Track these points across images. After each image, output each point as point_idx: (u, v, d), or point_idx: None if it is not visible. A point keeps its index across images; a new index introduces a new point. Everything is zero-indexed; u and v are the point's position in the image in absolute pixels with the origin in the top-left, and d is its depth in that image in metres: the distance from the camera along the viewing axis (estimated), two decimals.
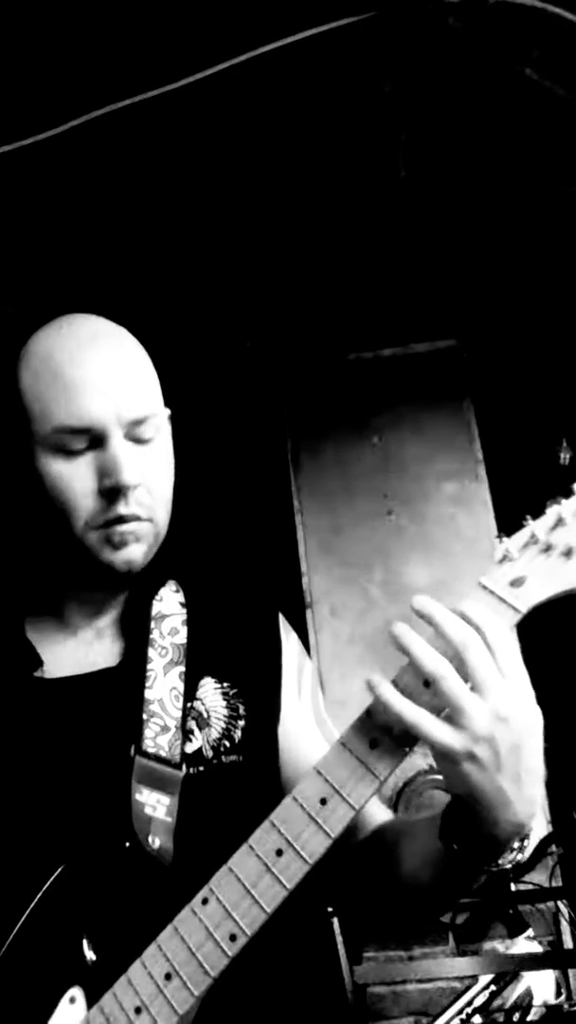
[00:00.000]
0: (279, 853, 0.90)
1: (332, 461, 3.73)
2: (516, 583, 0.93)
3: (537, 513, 0.95)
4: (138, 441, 1.08)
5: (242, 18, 2.14)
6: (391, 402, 3.73)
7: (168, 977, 0.91)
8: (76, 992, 0.95)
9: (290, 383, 3.82)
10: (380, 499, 3.65)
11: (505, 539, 0.95)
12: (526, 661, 0.92)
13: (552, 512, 0.94)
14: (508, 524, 0.96)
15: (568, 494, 0.94)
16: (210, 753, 1.10)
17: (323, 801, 0.90)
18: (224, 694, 1.14)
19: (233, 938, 0.90)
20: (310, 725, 1.20)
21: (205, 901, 0.92)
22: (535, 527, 0.94)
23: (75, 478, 1.05)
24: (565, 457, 0.97)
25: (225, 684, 1.15)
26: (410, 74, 2.38)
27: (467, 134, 2.61)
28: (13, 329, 1.18)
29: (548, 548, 0.93)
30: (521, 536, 0.95)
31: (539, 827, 3.16)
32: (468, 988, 2.59)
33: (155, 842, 1.01)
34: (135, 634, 1.15)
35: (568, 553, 0.92)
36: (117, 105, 2.24)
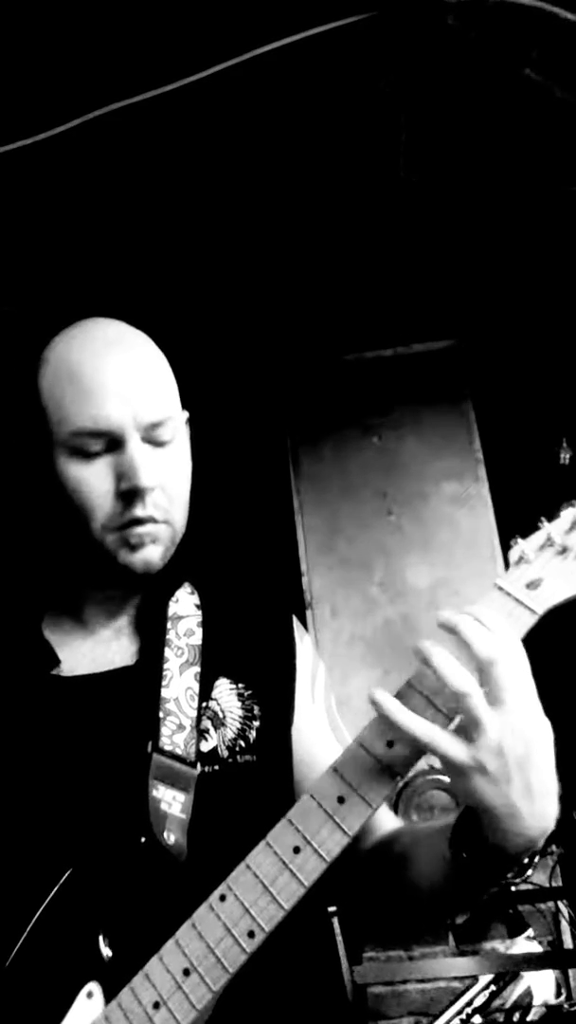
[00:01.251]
0: (296, 851, 0.91)
1: (332, 461, 3.73)
2: (532, 585, 0.93)
3: (540, 512, 0.96)
4: (155, 444, 1.10)
5: (242, 18, 2.14)
6: (391, 402, 3.73)
7: (186, 973, 0.91)
8: (93, 987, 0.96)
9: (290, 383, 3.82)
10: (380, 499, 3.65)
11: (521, 540, 0.96)
12: (532, 659, 0.93)
13: (568, 515, 0.95)
14: (508, 523, 0.97)
15: None
16: (225, 753, 1.11)
17: (340, 800, 0.91)
18: (239, 695, 1.16)
19: (251, 935, 0.90)
20: (323, 728, 1.22)
21: (223, 898, 0.92)
22: (551, 529, 0.95)
23: (93, 481, 1.07)
24: (565, 457, 0.97)
25: (240, 685, 1.17)
26: (410, 74, 2.38)
27: (467, 134, 2.61)
28: (13, 328, 1.18)
29: (564, 550, 0.94)
30: (537, 538, 0.95)
31: None
32: (468, 988, 2.59)
33: (170, 838, 1.02)
34: (152, 634, 1.17)
35: None
36: (117, 105, 2.24)
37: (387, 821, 1.19)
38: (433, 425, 3.69)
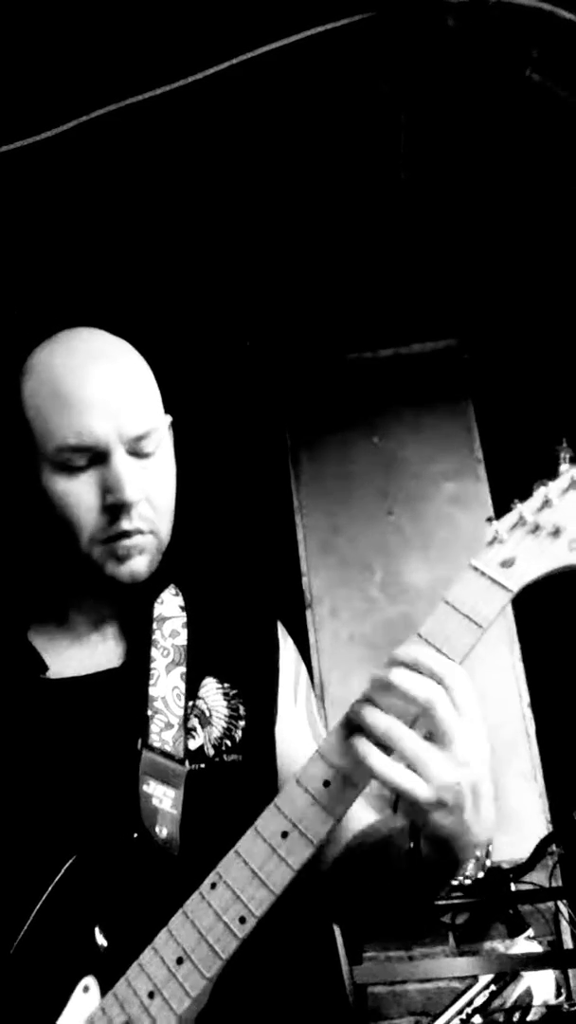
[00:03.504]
0: (284, 835, 0.92)
1: (332, 461, 3.73)
2: (506, 564, 0.94)
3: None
4: (140, 456, 1.10)
5: (242, 18, 2.14)
6: (391, 402, 3.73)
7: (180, 961, 0.92)
8: (90, 981, 0.96)
9: (290, 383, 3.82)
10: (380, 499, 3.65)
11: (495, 522, 0.97)
12: (532, 659, 0.93)
13: (539, 493, 0.96)
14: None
15: (554, 475, 0.96)
16: (212, 751, 1.13)
17: (326, 783, 0.92)
18: (225, 694, 1.17)
19: (243, 920, 0.91)
20: (304, 731, 1.23)
21: (214, 885, 0.93)
22: (522, 508, 0.96)
23: (79, 495, 1.08)
24: (565, 457, 0.98)
25: (226, 685, 1.18)
26: (410, 75, 2.38)
27: (467, 135, 2.61)
28: (15, 334, 1.18)
29: (536, 528, 0.95)
30: (509, 518, 0.96)
31: (539, 827, 3.16)
32: (468, 988, 2.59)
33: (162, 832, 1.04)
34: (138, 635, 1.18)
35: (556, 532, 0.94)
36: (117, 105, 2.24)
37: (363, 816, 1.19)
38: (433, 425, 3.70)
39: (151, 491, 1.11)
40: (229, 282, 3.22)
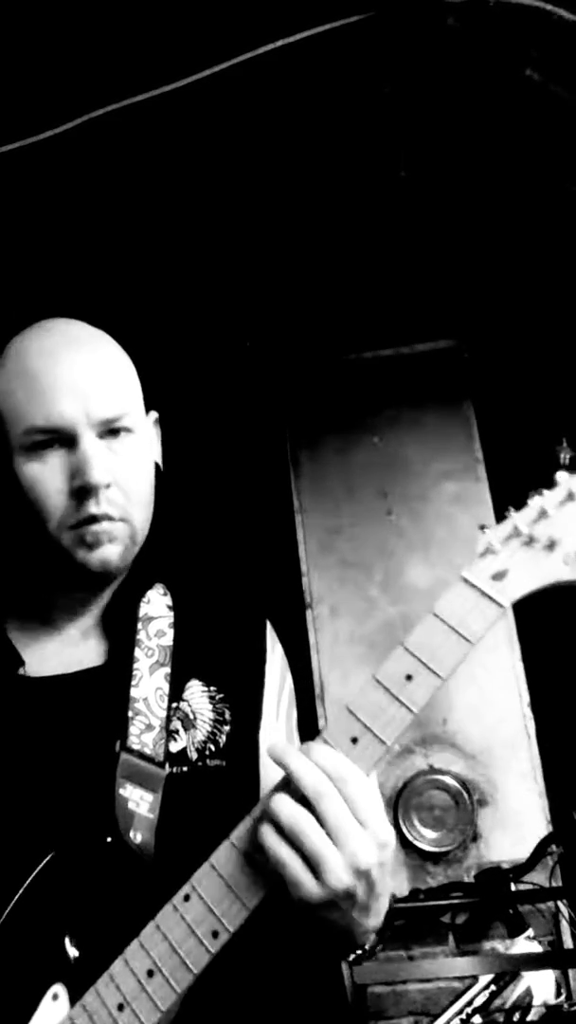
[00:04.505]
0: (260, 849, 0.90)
1: (332, 461, 3.72)
2: (498, 576, 0.91)
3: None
4: (110, 441, 1.08)
5: (242, 18, 2.14)
6: (391, 402, 3.73)
7: (151, 974, 0.90)
8: (59, 989, 0.94)
9: (290, 383, 3.82)
10: (380, 499, 3.65)
11: (488, 531, 0.93)
12: (532, 659, 0.92)
13: (535, 504, 0.92)
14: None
15: (551, 485, 0.93)
16: (194, 755, 1.10)
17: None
18: (211, 698, 1.15)
19: (215, 935, 0.89)
20: None
21: (187, 897, 0.91)
22: (517, 519, 0.92)
23: (47, 479, 1.06)
24: (565, 457, 0.96)
25: (212, 688, 1.15)
26: (410, 74, 2.38)
27: (467, 134, 2.61)
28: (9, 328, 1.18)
29: (531, 541, 0.91)
30: (503, 528, 0.93)
31: (539, 827, 3.17)
32: (468, 988, 2.59)
33: (137, 837, 1.01)
34: (120, 634, 1.16)
35: (551, 546, 0.91)
36: (117, 105, 2.24)
37: None
38: (433, 425, 3.69)
39: (121, 476, 1.08)
40: (229, 282, 3.22)
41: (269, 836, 0.87)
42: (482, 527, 0.94)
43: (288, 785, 0.88)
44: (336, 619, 3.53)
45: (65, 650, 1.16)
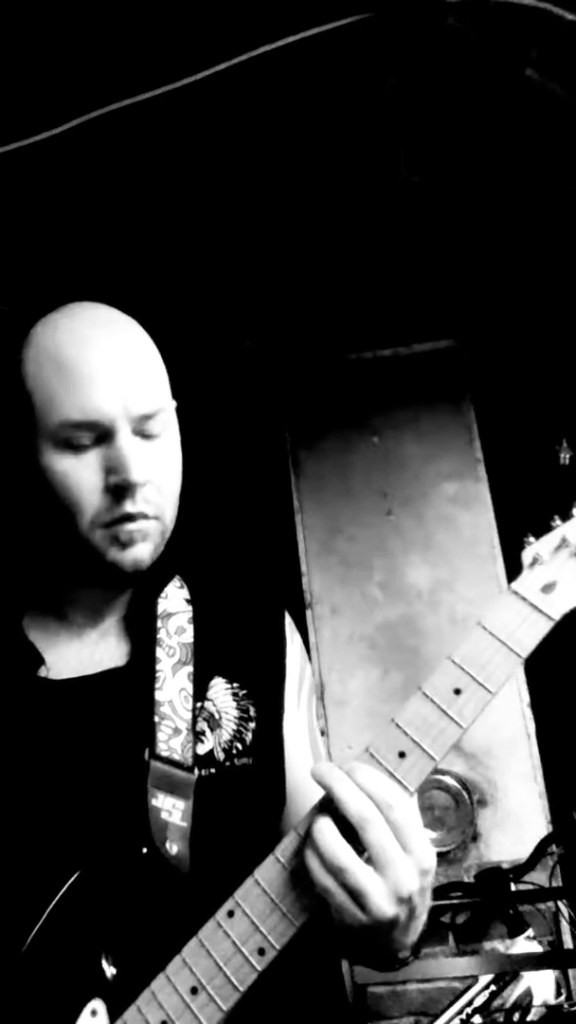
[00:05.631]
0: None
1: (332, 461, 3.73)
2: (548, 588, 0.90)
3: (540, 512, 0.93)
4: (146, 436, 1.04)
5: (242, 18, 2.14)
6: (391, 402, 3.73)
7: (194, 991, 0.88)
8: (97, 1005, 0.92)
9: (290, 383, 3.82)
10: (380, 499, 3.65)
11: (534, 541, 0.92)
12: (532, 659, 0.91)
13: None
14: (508, 524, 0.95)
15: None
16: (222, 755, 1.07)
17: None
18: (234, 695, 1.12)
19: (262, 952, 0.88)
20: (303, 738, 1.18)
21: (231, 913, 0.89)
22: (566, 530, 0.91)
23: (81, 475, 1.01)
24: (565, 457, 0.96)
25: (235, 684, 1.12)
26: (410, 74, 2.38)
27: (467, 134, 2.61)
28: (11, 327, 1.16)
29: None
30: (552, 539, 0.91)
31: (539, 827, 3.17)
32: (468, 988, 2.59)
33: (172, 848, 0.98)
34: (142, 634, 1.12)
35: None
36: (117, 105, 2.24)
37: None
38: (433, 425, 3.69)
39: (157, 474, 1.04)
40: (229, 282, 3.22)
41: (314, 865, 0.86)
42: (525, 538, 0.93)
43: (331, 806, 0.87)
44: (336, 619, 3.53)
45: (85, 650, 1.11)
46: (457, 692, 0.89)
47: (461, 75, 2.37)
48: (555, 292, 3.25)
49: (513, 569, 0.93)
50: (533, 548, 0.91)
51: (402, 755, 0.89)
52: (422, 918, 0.91)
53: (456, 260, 3.23)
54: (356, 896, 0.84)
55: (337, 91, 2.42)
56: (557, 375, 3.20)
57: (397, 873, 0.84)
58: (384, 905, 0.84)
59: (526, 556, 0.91)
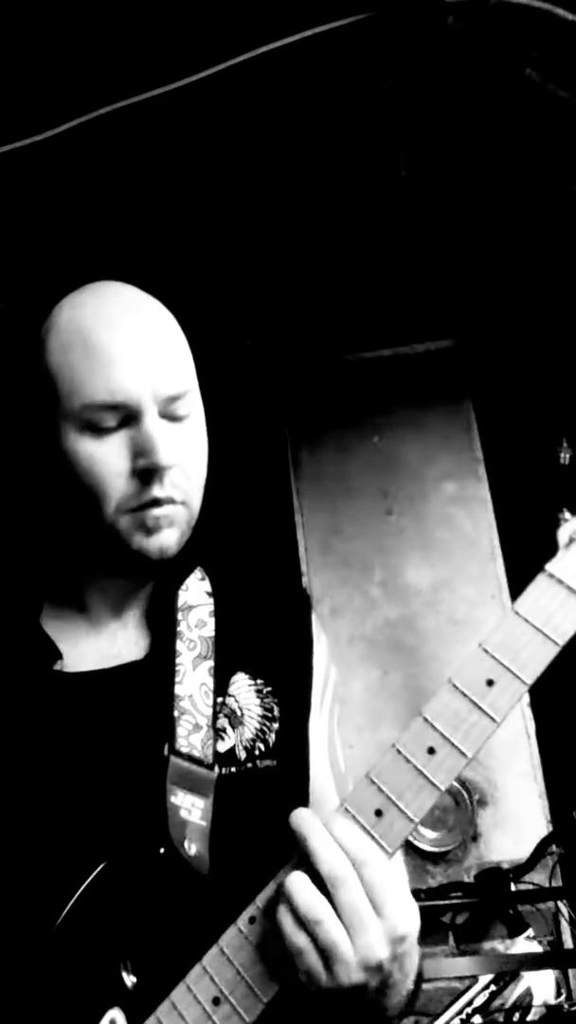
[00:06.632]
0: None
1: (332, 461, 3.73)
2: None
3: (540, 513, 0.92)
4: (173, 419, 1.00)
5: (242, 18, 2.14)
6: (391, 402, 3.74)
7: (216, 1002, 0.85)
8: (116, 1014, 0.88)
9: (290, 383, 3.82)
10: (380, 499, 3.66)
11: (571, 517, 0.84)
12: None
13: None
14: (508, 523, 0.95)
15: None
16: (243, 754, 1.03)
17: (378, 813, 0.84)
18: (258, 692, 1.08)
19: None
20: (323, 743, 1.14)
21: (252, 919, 0.85)
22: None
23: (107, 458, 0.97)
24: (565, 457, 0.95)
25: (259, 681, 1.08)
26: (410, 74, 2.38)
27: (467, 134, 2.61)
28: (12, 328, 1.16)
29: None
30: None
31: (539, 827, 3.17)
32: (468, 988, 2.59)
33: (191, 848, 0.95)
34: (162, 626, 1.08)
35: None
36: (117, 105, 2.24)
37: None
38: (433, 425, 3.70)
39: (184, 457, 1.00)
40: (229, 282, 3.22)
41: (286, 921, 0.81)
42: (561, 512, 0.85)
43: (307, 861, 0.82)
44: (336, 619, 3.53)
45: (102, 642, 1.07)
46: (490, 683, 0.83)
47: (461, 75, 2.37)
48: (555, 292, 3.26)
49: (513, 569, 0.93)
50: (570, 525, 0.84)
51: (431, 751, 0.83)
52: (406, 982, 0.86)
53: (456, 260, 3.23)
54: (325, 955, 0.80)
55: (337, 91, 2.42)
56: (557, 375, 3.20)
57: (366, 937, 0.79)
58: (351, 972, 0.79)
59: (562, 535, 0.84)
